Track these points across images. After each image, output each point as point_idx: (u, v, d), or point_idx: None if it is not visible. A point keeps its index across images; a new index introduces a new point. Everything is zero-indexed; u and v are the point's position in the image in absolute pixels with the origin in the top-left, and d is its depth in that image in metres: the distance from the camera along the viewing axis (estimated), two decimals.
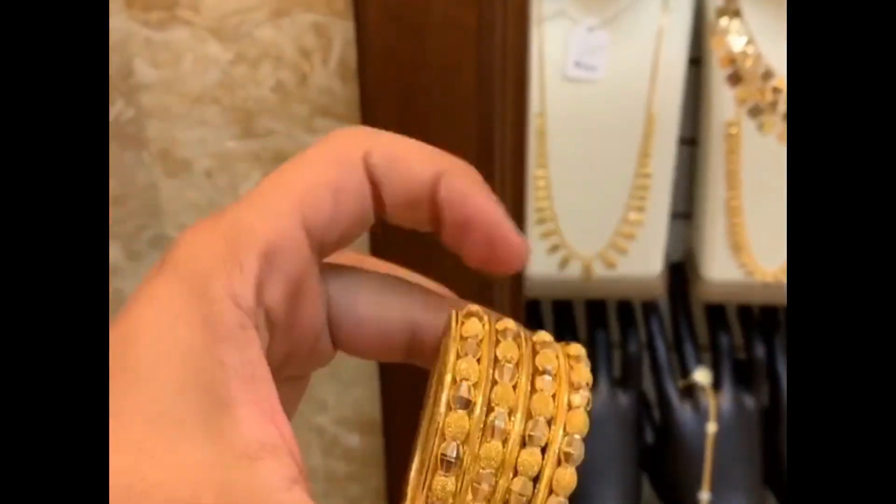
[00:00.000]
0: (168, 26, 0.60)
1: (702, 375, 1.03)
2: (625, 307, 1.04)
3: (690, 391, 1.02)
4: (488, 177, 0.60)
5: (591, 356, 1.08)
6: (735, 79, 0.85)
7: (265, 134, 0.63)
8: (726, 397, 1.02)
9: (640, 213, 0.93)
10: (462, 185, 0.27)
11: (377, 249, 0.63)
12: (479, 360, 0.25)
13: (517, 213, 0.64)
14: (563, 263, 0.95)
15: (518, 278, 0.67)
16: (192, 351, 0.23)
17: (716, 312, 1.04)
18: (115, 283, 0.70)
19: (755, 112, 0.87)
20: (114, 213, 0.67)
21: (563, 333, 1.04)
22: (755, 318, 1.04)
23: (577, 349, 0.27)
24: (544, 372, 0.25)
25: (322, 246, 0.26)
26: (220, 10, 0.59)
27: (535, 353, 0.26)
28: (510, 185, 0.62)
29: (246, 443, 0.23)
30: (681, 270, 1.05)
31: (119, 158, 0.65)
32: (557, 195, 0.92)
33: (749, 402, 1.02)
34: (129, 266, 0.70)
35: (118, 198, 0.67)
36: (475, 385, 0.25)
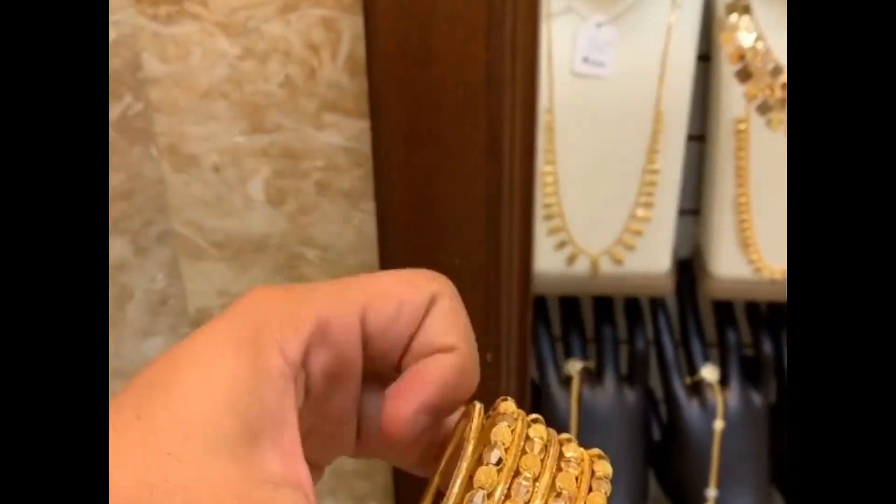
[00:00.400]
0: (176, 20, 0.60)
1: (709, 372, 1.02)
2: (632, 303, 1.04)
3: (698, 388, 1.02)
4: (497, 172, 0.60)
5: (598, 353, 1.07)
6: (744, 75, 0.85)
7: (273, 129, 0.63)
8: (733, 394, 1.01)
9: (647, 210, 0.92)
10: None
11: (384, 251, 0.63)
12: (512, 431, 0.26)
13: (526, 209, 0.64)
14: (571, 260, 0.95)
15: (525, 275, 0.67)
16: (236, 382, 0.25)
17: (723, 309, 1.04)
18: (122, 278, 0.70)
19: (764, 108, 0.86)
20: (121, 207, 0.67)
21: (571, 330, 1.04)
22: (763, 314, 1.03)
23: (598, 451, 0.28)
24: (570, 459, 0.27)
25: (371, 345, 0.28)
26: (229, 5, 0.59)
27: (561, 444, 0.27)
28: (519, 181, 0.61)
29: (270, 473, 0.25)
30: (688, 267, 1.05)
31: (127, 153, 0.65)
32: (565, 191, 0.92)
33: (756, 399, 1.02)
34: (137, 261, 0.70)
35: (126, 192, 0.67)
36: (507, 449, 0.26)
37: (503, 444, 0.26)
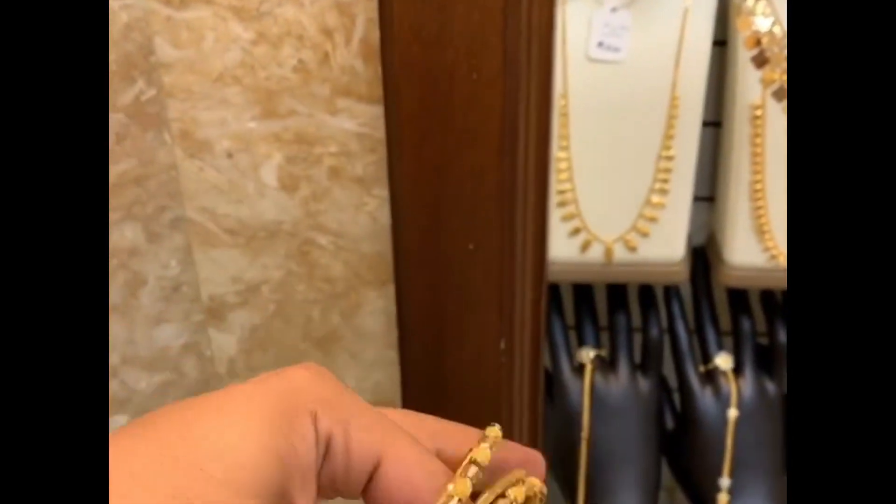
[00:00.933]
0: (189, 5, 0.60)
1: (723, 360, 1.02)
2: (646, 290, 1.03)
3: (711, 376, 1.02)
4: (511, 158, 0.59)
5: (612, 340, 1.07)
6: (761, 60, 0.84)
7: (286, 114, 0.63)
8: (748, 383, 1.01)
9: (662, 197, 0.92)
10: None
11: (398, 237, 0.63)
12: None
13: (540, 195, 0.64)
14: (585, 247, 0.94)
15: (540, 261, 0.67)
16: (273, 427, 0.26)
17: (738, 297, 1.03)
18: (134, 265, 0.70)
19: (780, 94, 0.85)
20: (134, 193, 0.67)
21: (584, 317, 1.03)
22: (778, 302, 1.03)
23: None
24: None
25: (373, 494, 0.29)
26: None
27: None
28: (533, 167, 0.61)
29: None
30: (703, 254, 1.04)
31: (140, 138, 0.65)
32: (579, 178, 0.91)
33: (770, 387, 1.01)
34: (150, 248, 0.69)
35: (139, 178, 0.66)
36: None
37: (482, 462, 0.29)
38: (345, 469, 0.28)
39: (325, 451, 0.28)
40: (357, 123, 0.62)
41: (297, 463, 0.26)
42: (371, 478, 0.28)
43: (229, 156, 0.65)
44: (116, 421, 0.75)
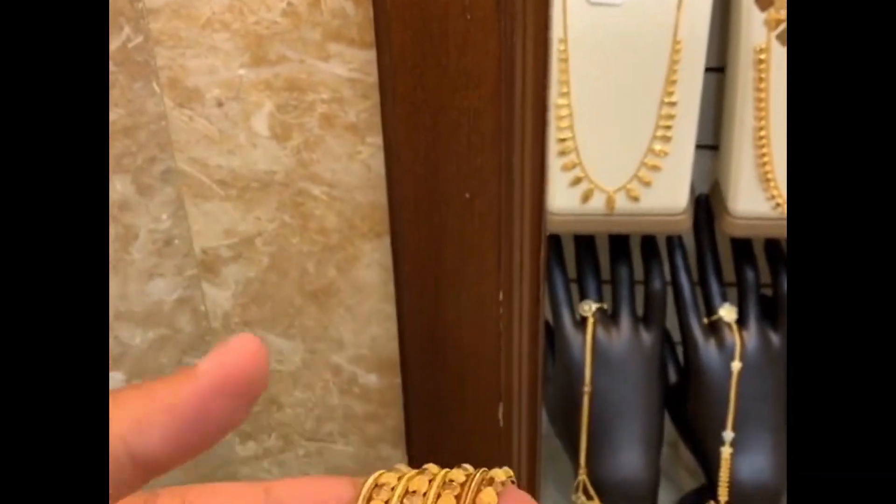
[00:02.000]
0: None
1: (727, 312, 1.01)
2: (648, 241, 1.02)
3: (715, 328, 1.00)
4: (509, 104, 0.57)
5: (614, 293, 1.05)
6: (765, 2, 0.82)
7: (277, 60, 0.61)
8: (751, 334, 1.00)
9: (665, 144, 0.90)
10: None
11: (393, 186, 0.61)
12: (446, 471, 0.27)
13: (538, 144, 0.62)
14: (586, 197, 0.93)
15: (538, 212, 0.65)
16: None
17: (742, 246, 1.02)
18: (126, 219, 0.68)
19: (786, 37, 0.83)
20: (123, 145, 0.65)
21: (585, 269, 1.02)
22: (782, 252, 1.01)
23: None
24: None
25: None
26: None
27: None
28: (531, 110, 0.59)
29: None
30: (706, 203, 1.02)
31: (128, 88, 0.63)
32: (580, 125, 0.89)
33: (775, 339, 1.00)
34: (140, 201, 0.68)
35: (127, 129, 0.65)
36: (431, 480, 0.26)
37: (432, 471, 0.27)
38: None
39: None
40: (349, 69, 0.60)
41: None
42: None
43: (219, 104, 0.64)
44: (113, 377, 0.75)
